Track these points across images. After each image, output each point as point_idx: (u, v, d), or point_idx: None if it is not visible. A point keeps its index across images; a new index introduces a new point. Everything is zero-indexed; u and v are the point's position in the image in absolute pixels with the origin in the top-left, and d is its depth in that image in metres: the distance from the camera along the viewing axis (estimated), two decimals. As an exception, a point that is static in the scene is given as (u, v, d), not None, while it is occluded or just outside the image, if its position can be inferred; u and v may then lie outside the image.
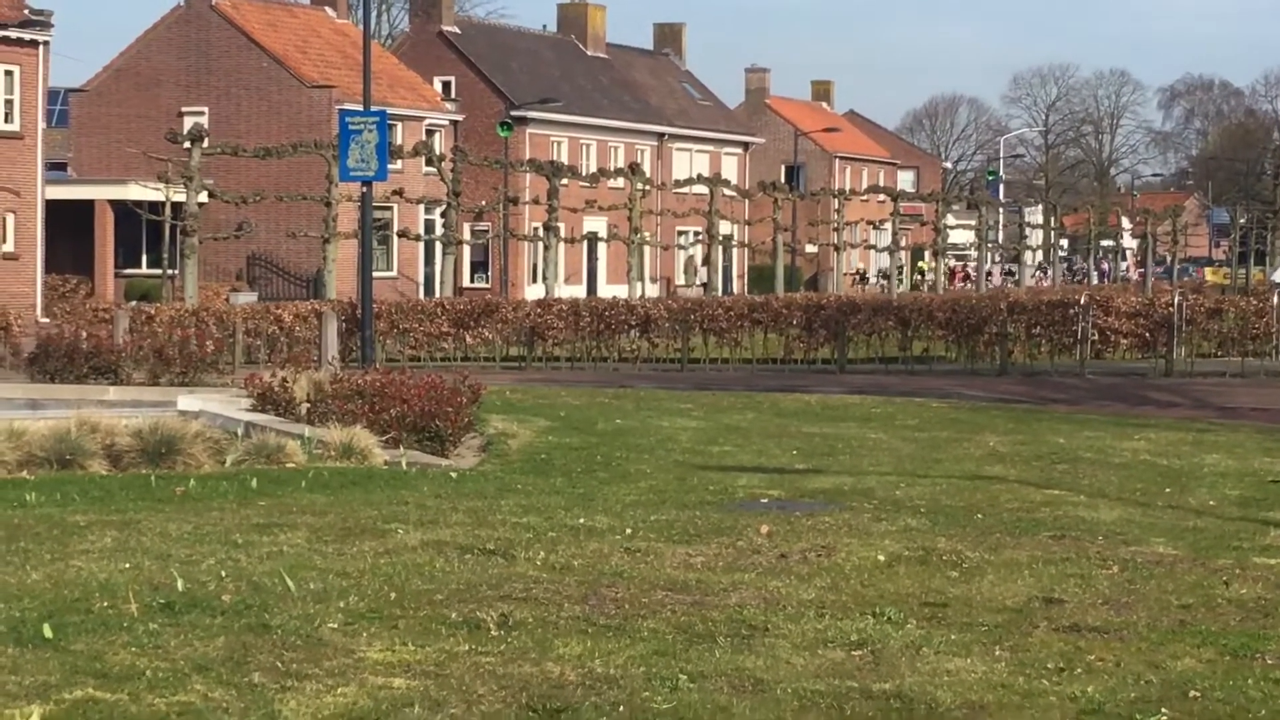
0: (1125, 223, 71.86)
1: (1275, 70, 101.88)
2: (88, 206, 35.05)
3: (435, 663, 4.67)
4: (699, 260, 47.17)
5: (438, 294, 33.03)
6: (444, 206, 32.65)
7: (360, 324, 18.92)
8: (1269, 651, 5.01)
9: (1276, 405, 16.32)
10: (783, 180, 53.16)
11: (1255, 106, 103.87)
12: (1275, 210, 56.64)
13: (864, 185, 58.70)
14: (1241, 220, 58.80)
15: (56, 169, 37.58)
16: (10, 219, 30.14)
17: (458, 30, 47.18)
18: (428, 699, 4.18)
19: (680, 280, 50.19)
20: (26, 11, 30.53)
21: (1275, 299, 22.88)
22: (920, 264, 61.98)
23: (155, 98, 38.93)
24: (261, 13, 40.59)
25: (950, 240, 60.45)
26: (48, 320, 23.92)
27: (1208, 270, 66.01)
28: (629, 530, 7.57)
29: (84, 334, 16.81)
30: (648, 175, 41.25)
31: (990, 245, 58.17)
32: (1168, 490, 9.39)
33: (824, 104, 72.56)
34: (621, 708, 4.14)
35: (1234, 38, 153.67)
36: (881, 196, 55.46)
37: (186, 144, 26.40)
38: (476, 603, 5.69)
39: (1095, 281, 58.64)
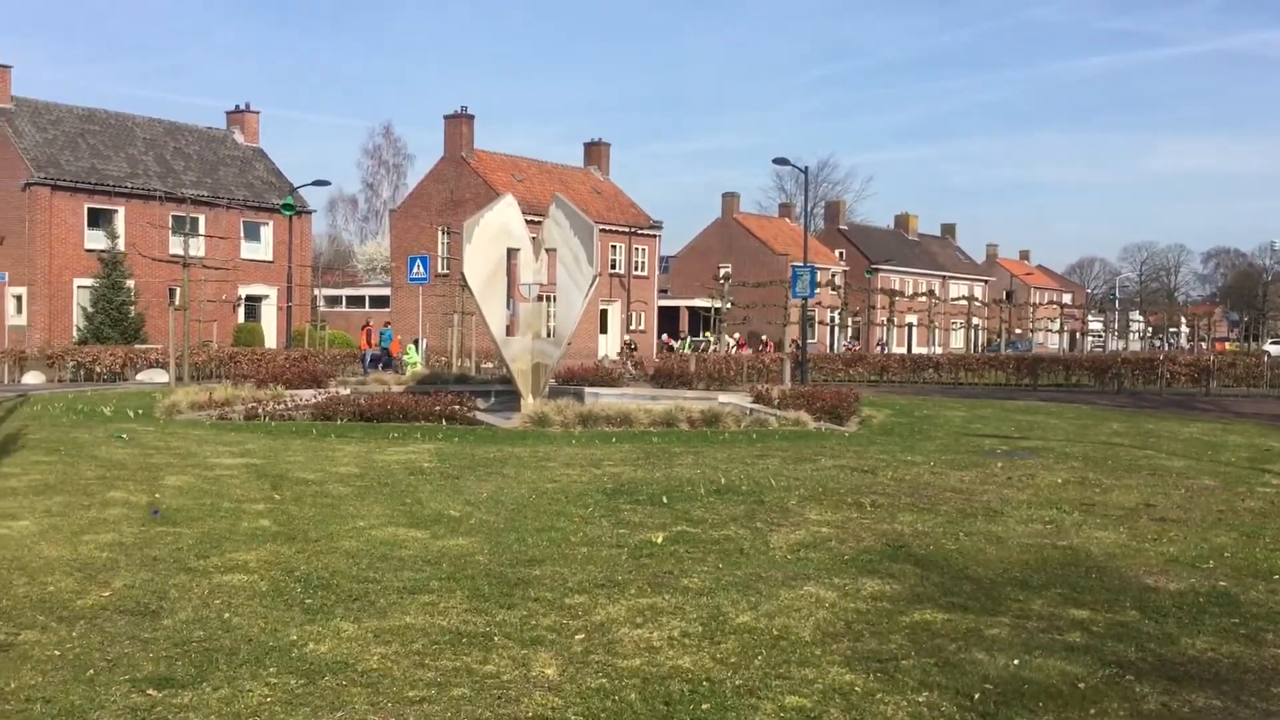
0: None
1: None
2: (675, 309, 70.02)
3: (840, 522, 9.02)
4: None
5: (831, 350, 60.50)
6: (840, 308, 58.62)
7: (800, 363, 34.63)
8: (1267, 534, 8.71)
9: (1268, 411, 23.66)
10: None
11: None
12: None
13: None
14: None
15: (662, 292, 69.39)
16: (643, 314, 61.49)
17: (846, 226, 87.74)
18: (837, 536, 8.45)
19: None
20: (650, 220, 61.64)
21: (1266, 358, 38.43)
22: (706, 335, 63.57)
23: (706, 259, 74.40)
24: (765, 225, 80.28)
25: None
26: (658, 360, 41.29)
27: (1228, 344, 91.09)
28: (931, 463, 12.90)
29: (675, 365, 30.94)
30: (937, 293, 67.13)
31: None
32: (1208, 452, 14.63)
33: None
34: (931, 546, 8.17)
35: None
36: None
37: (722, 281, 47.66)
38: (859, 494, 10.23)
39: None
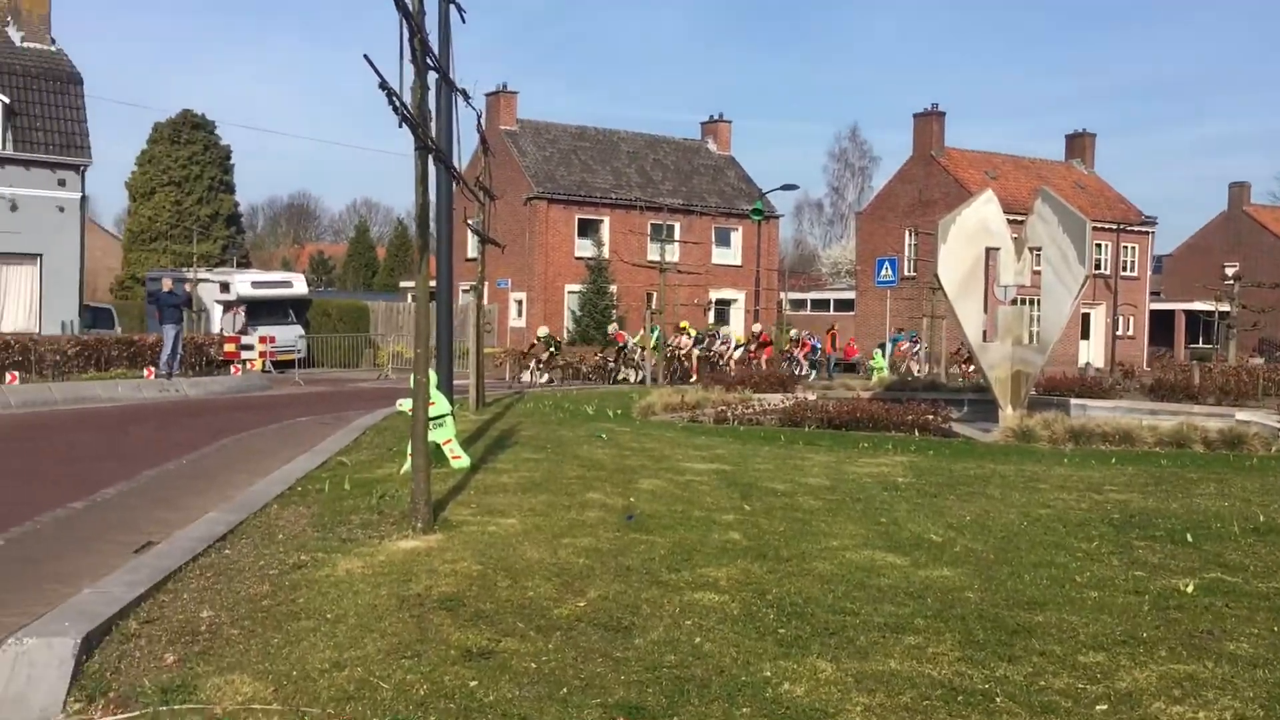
0: None
1: None
2: (1169, 313, 62.55)
3: None
4: None
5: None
6: None
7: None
8: None
9: None
10: None
11: None
12: None
13: None
14: None
15: (1154, 295, 62.96)
16: (1132, 318, 56.35)
17: None
18: None
19: None
20: (1141, 215, 55.63)
21: None
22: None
23: (1208, 258, 64.15)
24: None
25: None
26: (1148, 369, 38.85)
27: None
28: None
29: (1175, 376, 27.39)
30: None
31: None
32: None
33: None
34: None
35: None
36: None
37: (1230, 281, 44.58)
38: None
39: None
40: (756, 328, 35.27)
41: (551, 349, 31.10)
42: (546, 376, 30.00)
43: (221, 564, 6.99)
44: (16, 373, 22.12)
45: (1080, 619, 6.13)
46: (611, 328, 34.52)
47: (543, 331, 32.34)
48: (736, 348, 33.16)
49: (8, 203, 29.74)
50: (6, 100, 30.07)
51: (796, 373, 32.40)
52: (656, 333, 30.72)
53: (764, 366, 31.92)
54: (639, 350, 31.41)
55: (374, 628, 5.67)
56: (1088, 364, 47.43)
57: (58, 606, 5.93)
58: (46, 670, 4.97)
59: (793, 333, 36.47)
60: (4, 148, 30.08)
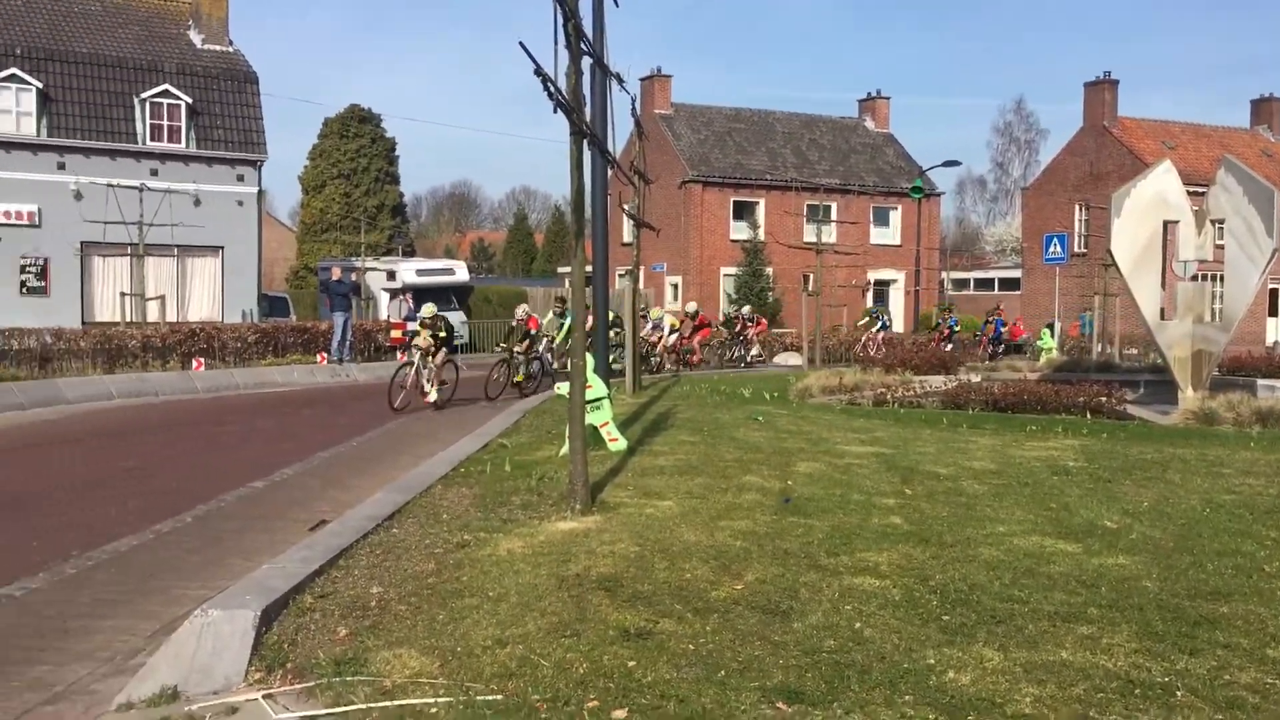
0: None
1: None
2: None
3: None
4: None
5: None
6: None
7: None
8: None
9: None
10: None
11: None
12: None
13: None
14: None
15: None
16: None
17: None
18: None
19: None
20: None
21: None
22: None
23: None
24: None
25: None
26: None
27: None
28: None
29: None
30: None
31: None
32: None
33: None
34: None
35: None
36: None
37: None
38: None
39: None
40: (691, 307, 30.33)
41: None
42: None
43: (389, 542, 7.22)
44: (202, 359, 23.38)
45: (1269, 611, 5.78)
46: (521, 309, 22.15)
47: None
48: (671, 332, 27.70)
49: (192, 198, 31.39)
50: (189, 101, 31.72)
51: (748, 357, 29.94)
52: (568, 320, 25.68)
53: (697, 351, 28.60)
54: (543, 340, 22.45)
55: (534, 606, 5.77)
56: (1276, 342, 44.85)
57: (239, 581, 6.24)
58: (230, 641, 5.22)
59: (744, 310, 32.28)
60: (187, 146, 31.75)
